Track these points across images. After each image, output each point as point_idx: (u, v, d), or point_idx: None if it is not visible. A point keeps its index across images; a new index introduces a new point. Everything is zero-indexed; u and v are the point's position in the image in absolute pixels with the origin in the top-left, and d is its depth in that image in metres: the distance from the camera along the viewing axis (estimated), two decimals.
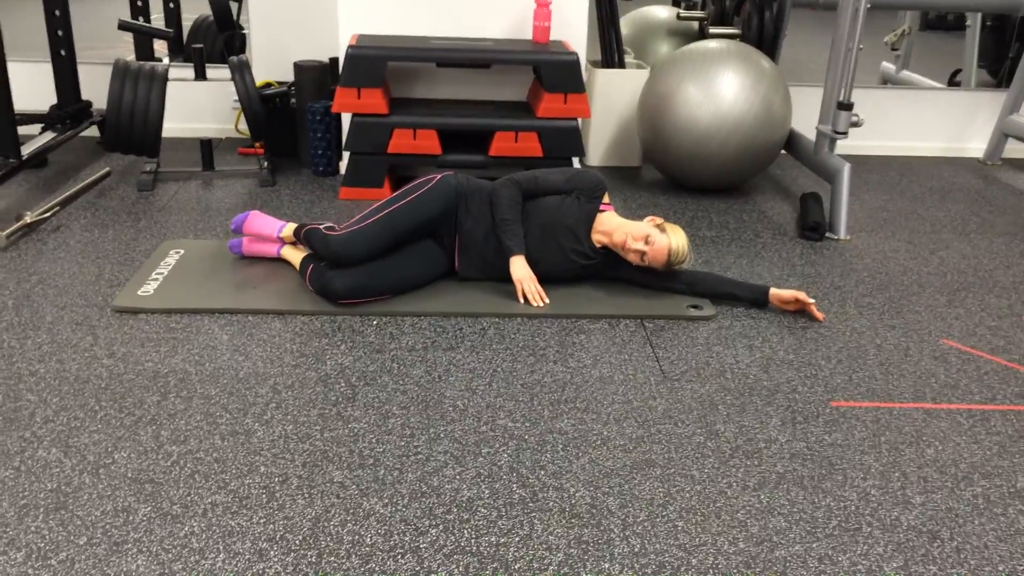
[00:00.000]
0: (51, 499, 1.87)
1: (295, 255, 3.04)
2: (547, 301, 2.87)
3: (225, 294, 2.84)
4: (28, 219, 3.33)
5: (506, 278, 2.93)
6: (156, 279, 2.93)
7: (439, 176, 2.99)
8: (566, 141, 3.82)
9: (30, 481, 1.93)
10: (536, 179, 2.97)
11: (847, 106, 3.63)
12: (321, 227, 2.89)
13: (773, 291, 2.91)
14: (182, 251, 3.18)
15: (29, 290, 2.86)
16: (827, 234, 3.63)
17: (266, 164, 4.11)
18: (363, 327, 2.69)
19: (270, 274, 3.00)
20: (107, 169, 4.07)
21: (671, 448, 2.14)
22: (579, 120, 3.84)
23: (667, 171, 4.18)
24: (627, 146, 4.56)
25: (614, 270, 3.02)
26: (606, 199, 3.03)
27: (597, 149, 4.56)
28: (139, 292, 2.83)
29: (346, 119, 3.99)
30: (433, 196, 2.92)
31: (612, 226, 2.93)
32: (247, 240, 3.13)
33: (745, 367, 2.55)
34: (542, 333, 2.71)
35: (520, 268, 2.89)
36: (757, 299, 2.93)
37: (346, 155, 3.93)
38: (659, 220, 2.93)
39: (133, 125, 3.82)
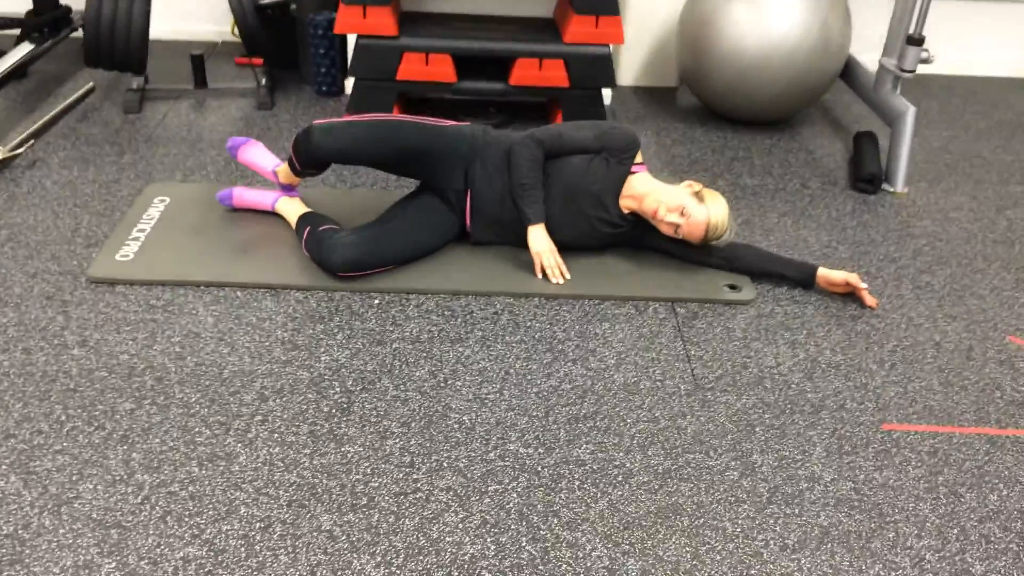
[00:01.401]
0: (5, 549, 1.67)
1: (291, 210, 2.74)
2: (568, 276, 2.58)
3: (212, 261, 2.57)
4: (0, 154, 3.02)
5: (523, 243, 2.64)
6: (137, 237, 2.65)
7: (455, 123, 2.66)
8: (596, 70, 3.41)
9: None
10: (560, 137, 2.61)
11: (918, 40, 3.18)
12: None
13: (822, 272, 2.60)
14: (167, 199, 2.88)
15: None
16: (883, 185, 3.27)
17: (264, 81, 3.74)
18: (363, 308, 2.43)
19: (263, 235, 2.71)
20: (91, 84, 3.72)
21: (701, 488, 1.91)
22: (611, 46, 3.42)
23: (706, 100, 3.77)
24: (663, 64, 4.12)
25: (644, 238, 2.71)
26: (639, 158, 2.68)
27: (630, 67, 4.13)
28: (117, 256, 2.56)
29: (351, 37, 3.59)
30: (442, 133, 2.61)
31: (644, 191, 2.60)
32: (238, 191, 2.83)
33: (787, 372, 2.28)
34: (561, 319, 2.43)
35: (539, 239, 2.59)
36: (804, 280, 2.62)
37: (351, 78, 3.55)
38: (697, 187, 2.59)
39: (115, 38, 3.43)
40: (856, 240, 2.93)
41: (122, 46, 3.44)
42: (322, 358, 2.23)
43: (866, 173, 3.24)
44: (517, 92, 3.45)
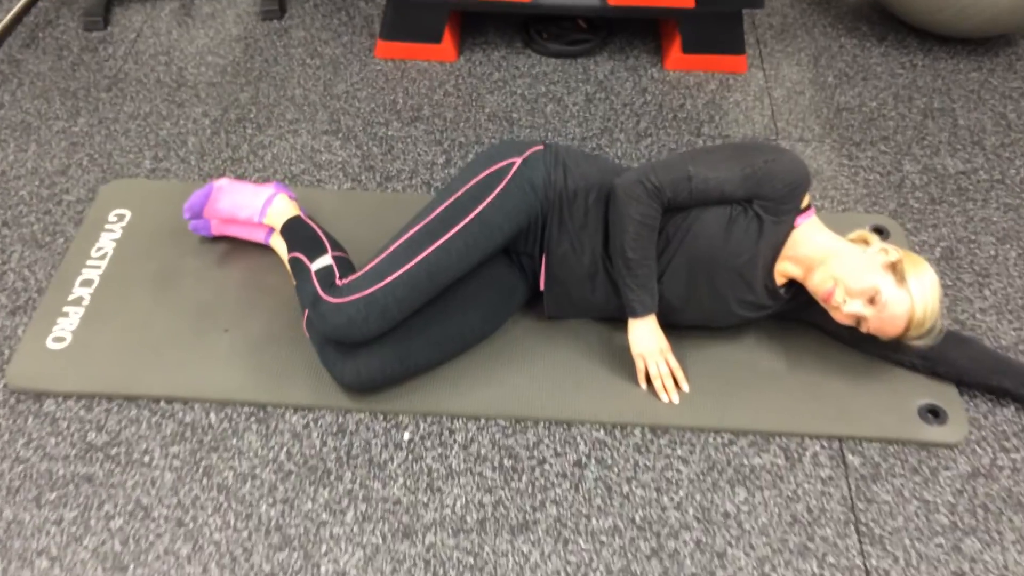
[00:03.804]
0: None
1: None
2: (685, 388, 1.76)
3: (179, 354, 1.80)
4: None
5: (617, 317, 1.81)
6: (80, 298, 1.89)
7: (518, 161, 1.73)
8: None
9: None
10: (690, 180, 1.67)
11: None
12: (312, 268, 1.73)
13: None
14: (128, 214, 2.08)
15: None
16: None
17: None
18: (385, 453, 1.68)
19: (251, 293, 1.91)
20: None
21: None
22: None
23: (890, 3, 2.64)
24: None
25: (802, 313, 1.84)
26: (806, 199, 1.73)
27: None
28: (49, 342, 1.81)
29: None
30: (505, 209, 1.70)
31: (812, 254, 1.69)
32: (216, 220, 2.00)
33: None
34: (674, 478, 1.65)
35: (645, 338, 1.74)
36: None
37: None
38: (894, 253, 1.66)
39: None
40: None
41: None
42: (323, 568, 1.53)
43: None
44: (619, 12, 2.40)
